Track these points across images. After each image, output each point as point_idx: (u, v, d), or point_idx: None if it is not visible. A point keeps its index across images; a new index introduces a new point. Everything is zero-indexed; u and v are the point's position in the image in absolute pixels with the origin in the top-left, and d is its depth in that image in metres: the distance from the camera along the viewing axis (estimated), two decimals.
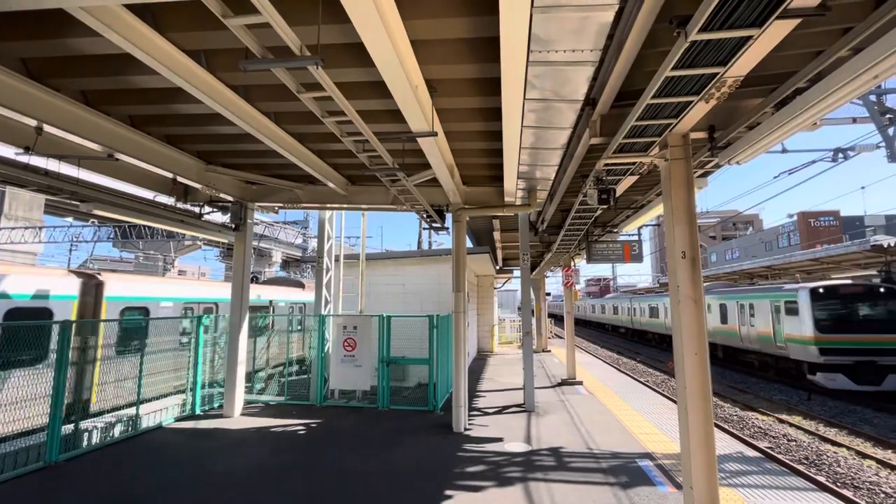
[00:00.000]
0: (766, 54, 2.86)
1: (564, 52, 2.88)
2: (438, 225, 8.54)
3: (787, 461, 7.32)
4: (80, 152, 5.55)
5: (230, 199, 8.19)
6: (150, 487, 5.00)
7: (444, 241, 29.31)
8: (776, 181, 12.65)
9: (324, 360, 9.17)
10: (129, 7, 3.15)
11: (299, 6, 3.17)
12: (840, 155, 10.51)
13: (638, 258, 10.09)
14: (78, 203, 6.41)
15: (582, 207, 7.42)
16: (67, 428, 6.09)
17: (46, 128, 4.69)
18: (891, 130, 9.89)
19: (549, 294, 32.47)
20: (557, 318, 36.96)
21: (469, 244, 13.56)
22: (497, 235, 13.56)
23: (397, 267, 12.54)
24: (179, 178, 7.06)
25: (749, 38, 2.49)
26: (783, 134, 3.84)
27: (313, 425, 7.47)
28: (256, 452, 6.13)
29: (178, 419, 7.76)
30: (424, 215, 8.33)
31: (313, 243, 31.23)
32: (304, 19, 3.18)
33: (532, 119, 4.05)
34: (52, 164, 5.66)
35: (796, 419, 10.90)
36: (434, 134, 4.29)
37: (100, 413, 7.24)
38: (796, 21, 2.55)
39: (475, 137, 5.77)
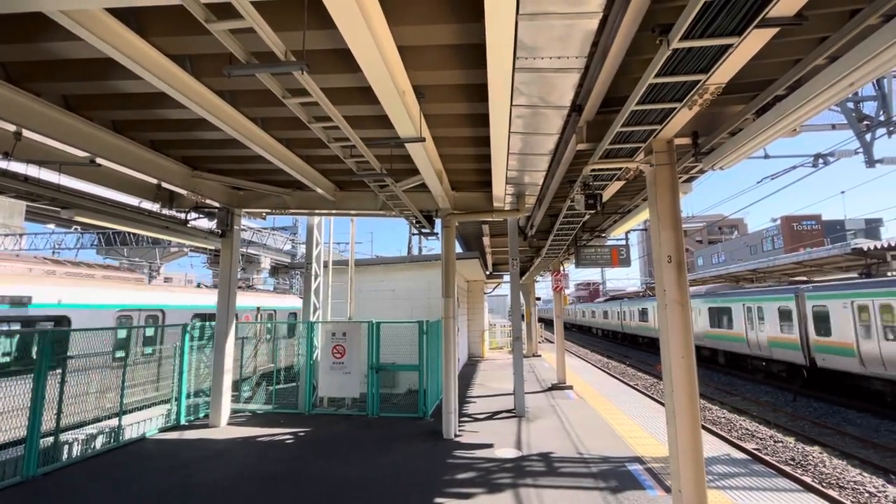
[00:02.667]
0: (747, 62, 2.94)
1: (550, 58, 2.91)
2: (428, 230, 8.52)
3: (773, 462, 7.39)
4: (61, 158, 5.44)
5: (217, 204, 8.10)
6: (133, 501, 4.87)
7: (433, 246, 29.31)
8: (759, 186, 12.89)
9: (312, 368, 9.06)
10: (111, 11, 3.10)
11: (284, 11, 3.15)
12: (820, 160, 10.72)
13: (626, 262, 10.18)
14: (59, 209, 6.27)
15: (570, 212, 7.47)
16: (46, 440, 5.89)
17: (26, 133, 4.59)
18: (868, 136, 10.16)
19: (539, 299, 32.60)
20: (547, 323, 37.13)
21: (458, 249, 13.57)
22: (487, 240, 13.58)
23: (387, 273, 12.47)
24: (164, 184, 6.96)
25: (729, 46, 2.54)
26: (764, 140, 3.90)
27: (301, 434, 7.36)
28: (244, 462, 6.02)
29: (163, 429, 7.59)
30: (414, 221, 8.31)
31: (302, 249, 30.92)
32: (289, 24, 3.16)
33: (520, 125, 4.07)
34: (32, 170, 5.53)
35: (783, 420, 11.05)
36: (422, 139, 4.29)
37: None
38: (775, 30, 2.62)
39: (464, 143, 5.79)
